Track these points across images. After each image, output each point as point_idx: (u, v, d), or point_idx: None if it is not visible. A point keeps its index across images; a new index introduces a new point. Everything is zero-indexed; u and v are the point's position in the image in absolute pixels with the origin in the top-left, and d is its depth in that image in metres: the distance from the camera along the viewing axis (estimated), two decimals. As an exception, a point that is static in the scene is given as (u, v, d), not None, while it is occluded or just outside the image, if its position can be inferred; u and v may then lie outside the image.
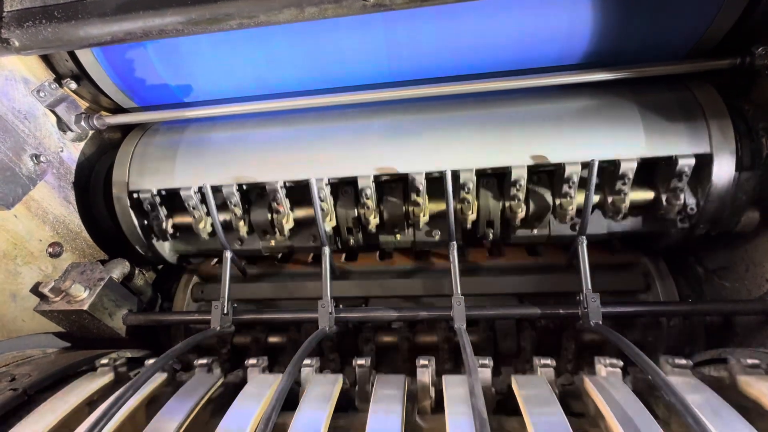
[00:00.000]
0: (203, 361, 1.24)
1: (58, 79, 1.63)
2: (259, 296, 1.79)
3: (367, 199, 1.47)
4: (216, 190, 1.54)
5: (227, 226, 1.61)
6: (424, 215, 1.49)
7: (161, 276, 2.02)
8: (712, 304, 1.46)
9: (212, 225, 1.57)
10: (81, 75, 1.61)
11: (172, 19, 1.19)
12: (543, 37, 1.40)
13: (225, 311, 1.49)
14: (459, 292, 1.38)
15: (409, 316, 1.48)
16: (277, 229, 1.58)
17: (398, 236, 1.59)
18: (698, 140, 1.33)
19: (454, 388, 0.98)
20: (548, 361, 1.10)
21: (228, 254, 1.57)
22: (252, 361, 1.20)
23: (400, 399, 0.97)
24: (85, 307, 1.48)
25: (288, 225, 1.55)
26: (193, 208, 1.56)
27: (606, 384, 0.99)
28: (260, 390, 1.02)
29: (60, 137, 1.66)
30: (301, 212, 1.58)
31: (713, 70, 1.38)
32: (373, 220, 1.51)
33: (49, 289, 1.47)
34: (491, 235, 1.54)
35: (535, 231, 1.55)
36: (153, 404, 1.11)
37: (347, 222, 1.55)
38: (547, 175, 1.50)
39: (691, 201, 1.39)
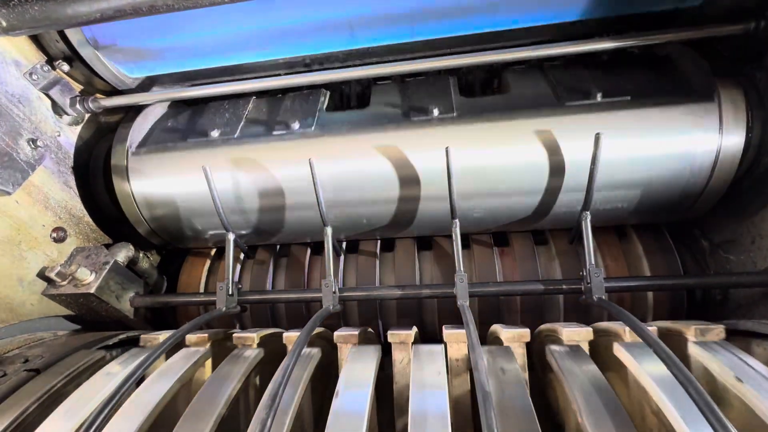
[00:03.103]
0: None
1: (50, 61, 1.60)
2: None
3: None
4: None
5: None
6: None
7: (166, 259, 2.03)
8: (717, 277, 1.45)
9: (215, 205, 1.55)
10: (73, 56, 1.57)
11: (161, -6, 1.15)
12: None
13: (230, 292, 1.51)
14: (462, 269, 1.37)
15: (413, 294, 1.49)
16: None
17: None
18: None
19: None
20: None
21: (231, 236, 1.57)
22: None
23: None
24: (92, 291, 1.50)
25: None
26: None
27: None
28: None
29: (56, 121, 1.64)
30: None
31: (721, 37, 1.32)
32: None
33: (56, 273, 1.49)
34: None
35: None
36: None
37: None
38: None
39: None
